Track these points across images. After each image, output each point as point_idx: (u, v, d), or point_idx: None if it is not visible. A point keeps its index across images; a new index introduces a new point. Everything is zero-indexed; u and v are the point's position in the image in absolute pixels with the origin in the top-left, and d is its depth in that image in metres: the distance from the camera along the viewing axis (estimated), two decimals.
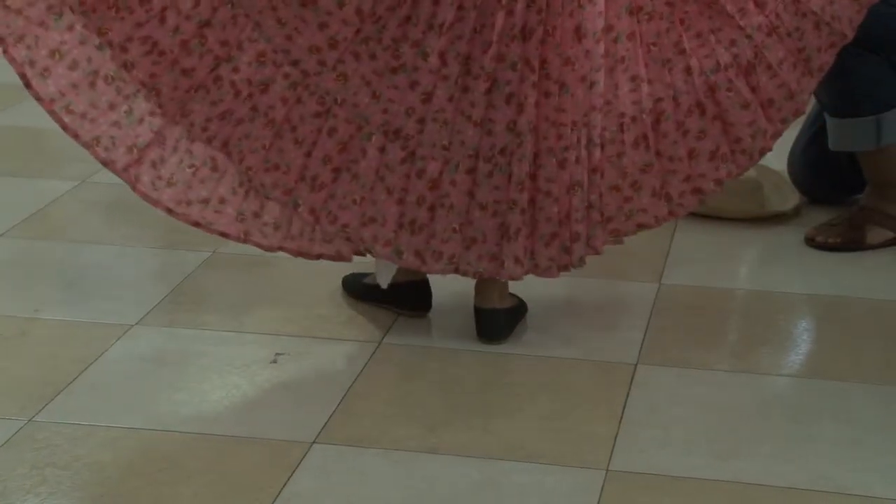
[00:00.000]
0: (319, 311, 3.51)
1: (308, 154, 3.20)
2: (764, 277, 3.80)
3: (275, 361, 3.26)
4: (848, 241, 3.85)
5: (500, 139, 3.12)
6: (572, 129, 3.14)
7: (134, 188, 3.16)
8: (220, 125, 3.19)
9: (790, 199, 4.07)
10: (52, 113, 3.09)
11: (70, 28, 3.06)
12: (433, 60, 3.08)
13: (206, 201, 3.23)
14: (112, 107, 3.14)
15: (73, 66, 3.09)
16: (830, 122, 3.83)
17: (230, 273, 3.74)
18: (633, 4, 3.16)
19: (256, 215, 3.26)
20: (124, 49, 3.11)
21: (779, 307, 3.63)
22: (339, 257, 3.33)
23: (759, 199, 4.01)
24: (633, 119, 3.23)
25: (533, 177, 3.15)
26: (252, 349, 3.33)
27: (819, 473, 2.77)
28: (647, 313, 3.51)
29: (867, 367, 3.25)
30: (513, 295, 3.42)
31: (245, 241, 3.27)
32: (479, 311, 3.38)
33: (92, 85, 3.12)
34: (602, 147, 3.20)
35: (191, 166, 3.22)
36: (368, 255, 3.34)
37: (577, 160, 3.16)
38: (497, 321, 3.37)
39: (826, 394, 3.14)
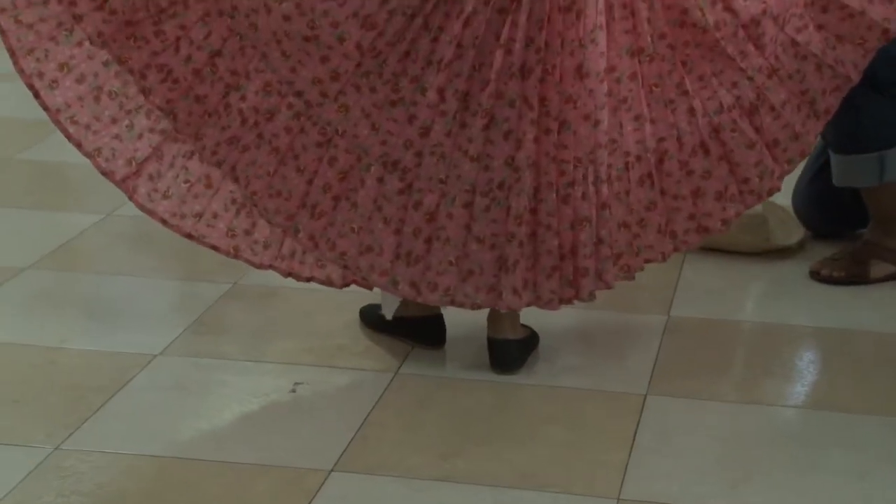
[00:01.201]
0: (337, 342, 3.50)
1: (309, 182, 3.21)
2: (770, 310, 3.79)
3: (293, 391, 3.26)
4: (852, 275, 3.84)
5: (497, 174, 3.12)
6: (576, 166, 3.13)
7: (131, 198, 3.22)
8: (229, 150, 3.22)
9: (795, 233, 4.07)
10: (57, 122, 3.15)
11: (79, 44, 3.13)
12: (431, 95, 3.08)
13: (199, 215, 3.27)
14: (114, 121, 3.20)
15: (80, 79, 3.16)
16: (834, 158, 3.82)
17: (250, 304, 3.73)
18: (634, 46, 3.15)
19: (247, 232, 3.30)
20: (143, 76, 3.17)
21: (785, 339, 3.61)
22: (328, 282, 3.36)
23: (764, 234, 4.00)
24: (638, 158, 3.22)
25: (533, 211, 3.15)
26: (271, 378, 3.33)
27: (831, 500, 2.77)
28: (656, 344, 3.50)
29: (873, 398, 3.23)
30: (525, 326, 3.41)
31: (235, 256, 3.30)
32: (492, 342, 3.37)
33: (96, 99, 3.18)
34: (610, 184, 3.18)
35: (186, 181, 3.27)
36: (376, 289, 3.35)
37: (584, 196, 3.15)
38: (510, 352, 3.36)
39: (833, 425, 3.12)
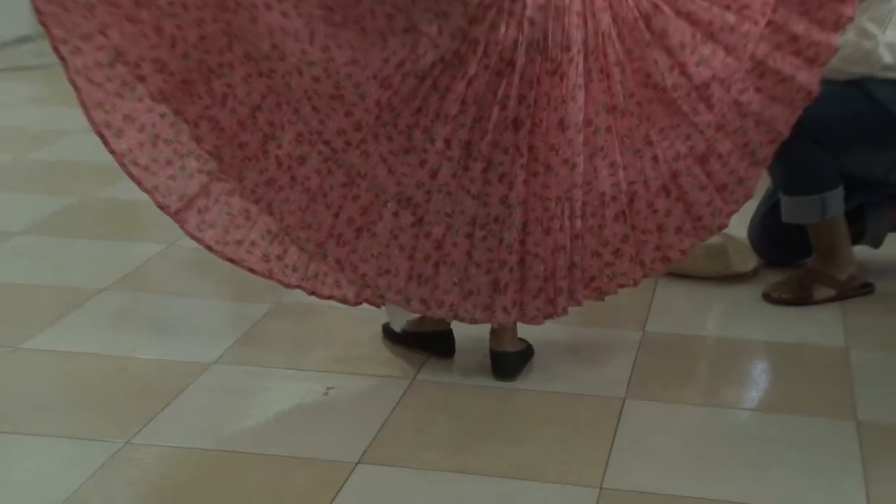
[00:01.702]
0: (363, 352, 3.49)
1: (336, 216, 3.22)
2: (729, 327, 3.77)
3: (326, 394, 3.24)
4: (798, 297, 3.82)
5: (493, 210, 3.11)
6: (556, 203, 3.12)
7: (182, 228, 3.23)
8: (266, 190, 3.23)
9: (750, 261, 4.04)
10: (122, 165, 3.17)
11: (140, 99, 3.15)
12: (439, 144, 3.07)
13: (239, 243, 3.27)
14: (169, 163, 3.21)
15: (141, 129, 3.17)
16: (783, 199, 3.81)
17: (289, 320, 3.71)
18: (609, 103, 3.14)
19: (279, 258, 3.29)
20: (196, 126, 3.18)
21: (742, 352, 3.60)
22: (344, 300, 3.34)
23: (724, 262, 3.99)
24: (613, 198, 3.20)
25: (522, 241, 3.14)
26: (307, 384, 3.31)
27: (782, 494, 2.75)
28: (633, 356, 3.48)
29: (818, 403, 3.21)
30: (522, 340, 3.40)
31: (269, 277, 3.30)
32: (493, 354, 3.36)
33: (154, 145, 3.19)
34: (583, 218, 3.18)
35: (228, 214, 3.26)
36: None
37: (561, 228, 3.14)
38: (509, 362, 3.35)
39: (784, 425, 3.09)
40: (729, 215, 3.34)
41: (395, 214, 3.19)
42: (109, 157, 3.16)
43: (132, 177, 3.19)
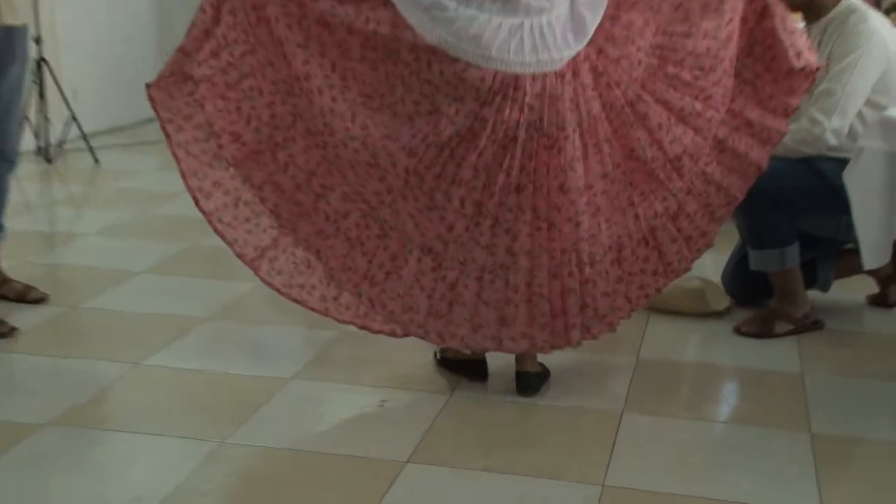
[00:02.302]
0: (411, 372, 3.47)
1: (370, 262, 3.25)
2: (707, 354, 3.74)
3: (381, 406, 3.24)
4: (762, 331, 3.79)
5: (500, 258, 3.12)
6: (562, 254, 3.12)
7: (256, 274, 3.26)
8: (316, 239, 3.27)
9: (723, 301, 4.02)
10: (209, 222, 3.21)
11: (226, 169, 3.20)
12: (455, 203, 3.08)
13: (302, 286, 3.29)
14: (247, 220, 3.24)
15: (226, 193, 3.22)
16: (750, 251, 3.80)
17: (351, 345, 3.70)
18: (602, 172, 3.15)
19: (335, 299, 3.31)
20: (260, 189, 3.22)
21: (718, 375, 3.58)
22: (392, 334, 3.33)
23: (703, 302, 3.98)
24: (609, 248, 3.22)
25: (528, 284, 3.14)
26: (365, 397, 3.30)
27: (750, 493, 2.74)
28: (629, 377, 3.46)
29: (778, 417, 3.18)
30: (541, 363, 3.39)
31: (325, 315, 3.32)
32: (518, 374, 3.36)
33: (235, 205, 3.23)
34: (591, 266, 3.18)
35: (293, 263, 3.29)
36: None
37: (570, 274, 3.14)
38: (529, 381, 3.35)
39: (751, 436, 3.08)
40: (692, 261, 3.37)
41: (419, 261, 3.21)
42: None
43: (217, 231, 3.21)
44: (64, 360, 3.54)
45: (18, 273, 4.11)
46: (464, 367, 3.43)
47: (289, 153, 3.20)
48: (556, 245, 3.12)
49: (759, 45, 3.29)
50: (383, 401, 3.25)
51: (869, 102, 3.62)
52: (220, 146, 3.19)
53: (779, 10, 3.27)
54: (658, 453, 2.95)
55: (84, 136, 6.61)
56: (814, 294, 3.95)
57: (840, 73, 3.59)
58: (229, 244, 3.24)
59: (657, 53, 3.17)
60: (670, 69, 3.18)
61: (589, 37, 3.06)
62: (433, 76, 3.00)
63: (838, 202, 3.31)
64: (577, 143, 3.06)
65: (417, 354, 3.53)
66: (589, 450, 2.94)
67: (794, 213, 3.70)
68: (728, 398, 3.44)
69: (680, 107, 3.20)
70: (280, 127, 3.18)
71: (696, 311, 3.95)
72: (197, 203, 3.20)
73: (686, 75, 3.19)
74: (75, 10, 7.10)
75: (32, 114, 6.37)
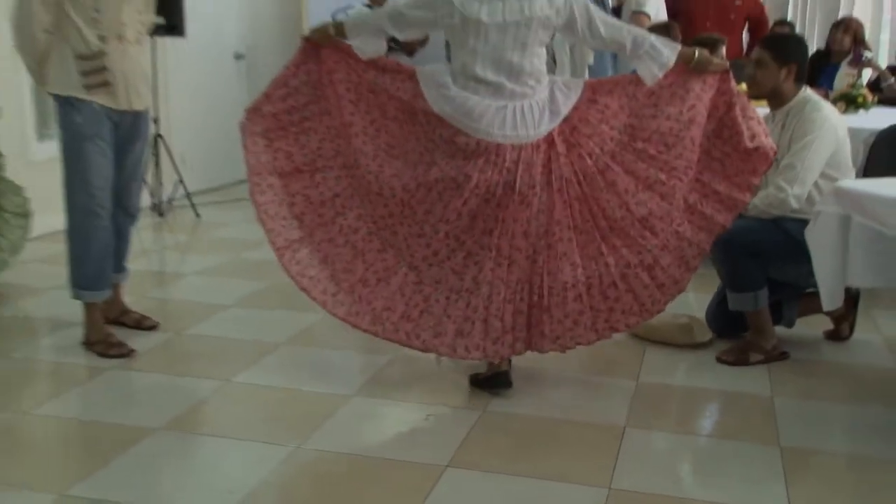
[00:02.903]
0: (451, 390, 3.43)
1: (367, 269, 3.37)
2: (694, 379, 3.65)
3: (426, 419, 3.21)
4: (738, 359, 3.74)
5: (466, 284, 3.25)
6: (517, 283, 3.23)
7: (280, 260, 3.37)
8: (327, 245, 3.39)
9: (707, 334, 3.96)
10: (257, 211, 3.37)
11: (277, 177, 3.40)
12: (440, 236, 3.24)
13: (311, 278, 3.37)
14: (283, 218, 3.39)
15: (275, 193, 3.40)
16: (729, 294, 3.75)
17: (402, 368, 3.66)
18: (571, 224, 3.23)
19: (333, 295, 3.37)
20: (293, 197, 3.40)
21: (703, 396, 3.51)
22: (375, 334, 3.36)
23: (690, 335, 3.93)
24: (573, 285, 3.27)
25: (486, 307, 3.22)
26: (413, 411, 3.28)
27: (730, 496, 2.70)
28: (629, 398, 3.41)
29: (752, 432, 3.13)
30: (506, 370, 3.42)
31: (323, 307, 3.38)
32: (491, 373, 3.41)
33: (279, 205, 3.39)
34: (548, 296, 3.25)
35: (309, 258, 3.38)
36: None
37: (521, 300, 3.26)
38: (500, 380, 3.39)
39: (731, 447, 3.04)
40: (665, 303, 3.37)
41: (405, 275, 3.32)
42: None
43: (261, 220, 3.37)
44: (171, 377, 3.54)
45: (136, 305, 4.13)
46: (491, 382, 3.38)
47: (323, 176, 3.40)
48: (513, 277, 3.23)
49: (727, 129, 3.31)
50: (428, 415, 3.21)
51: (823, 175, 3.62)
52: (275, 159, 3.38)
53: (740, 101, 3.29)
54: (654, 462, 2.91)
55: (188, 195, 6.65)
56: (780, 329, 3.89)
57: (800, 151, 3.59)
58: (267, 231, 3.36)
59: (628, 131, 3.25)
60: (639, 144, 3.25)
61: (562, 117, 3.19)
62: (435, 137, 3.20)
63: (800, 254, 3.29)
64: (545, 199, 3.18)
65: (457, 376, 3.50)
66: (597, 458, 2.89)
67: (765, 263, 3.65)
68: (711, 416, 3.38)
69: (646, 176, 3.26)
70: (323, 157, 3.40)
71: (684, 342, 3.90)
72: (252, 195, 3.37)
73: (652, 150, 3.25)
74: (184, 96, 7.18)
75: (149, 177, 6.42)
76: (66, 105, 3.60)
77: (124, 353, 3.72)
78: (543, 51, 3.21)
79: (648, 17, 6.00)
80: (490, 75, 3.12)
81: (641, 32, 3.26)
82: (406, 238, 3.29)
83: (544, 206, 3.18)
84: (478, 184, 3.13)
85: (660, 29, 5.31)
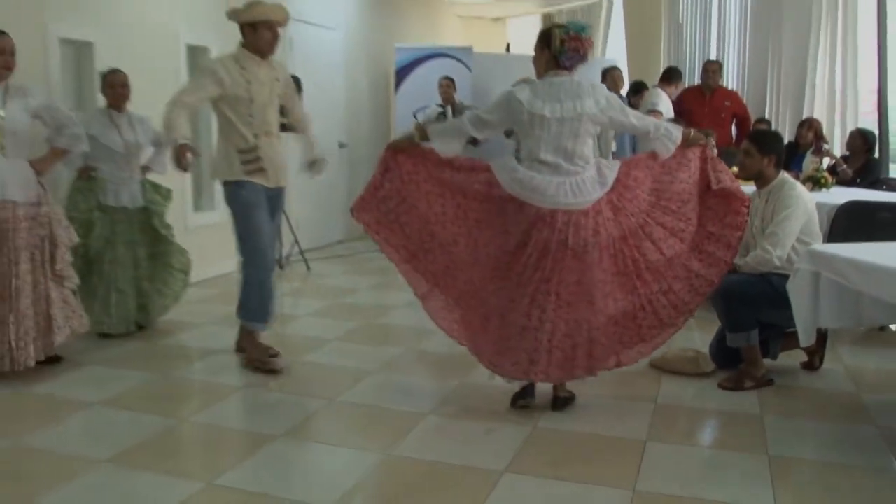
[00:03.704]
0: (508, 413, 3.36)
1: (476, 320, 3.30)
2: (700, 401, 3.53)
3: (487, 433, 3.13)
4: (735, 386, 3.62)
5: (533, 323, 3.16)
6: (575, 322, 3.18)
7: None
8: (425, 259, 3.32)
9: (710, 365, 3.85)
10: (403, 274, 3.36)
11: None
12: (511, 283, 3.18)
13: (444, 318, 3.35)
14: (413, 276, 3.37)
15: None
16: (727, 333, 3.65)
17: (467, 393, 3.60)
18: (618, 270, 3.22)
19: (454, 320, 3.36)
20: (409, 235, 3.32)
21: (706, 415, 3.40)
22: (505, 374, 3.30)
23: (697, 365, 3.82)
24: (612, 316, 3.26)
25: (550, 340, 3.16)
26: (477, 426, 3.20)
27: (729, 498, 2.61)
28: (649, 416, 3.31)
29: (745, 444, 3.02)
30: (569, 391, 3.39)
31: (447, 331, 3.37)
32: (553, 397, 3.36)
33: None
34: (596, 329, 3.22)
35: (441, 305, 3.36)
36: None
37: (579, 335, 3.19)
38: (559, 402, 3.34)
39: (729, 458, 2.93)
40: (680, 320, 3.36)
41: (493, 319, 3.24)
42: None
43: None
44: (289, 395, 3.53)
45: (261, 338, 4.12)
46: (522, 394, 3.35)
47: (433, 256, 3.31)
48: (571, 317, 3.17)
49: (703, 180, 3.37)
50: (488, 429, 3.14)
51: (798, 240, 3.56)
52: (396, 251, 3.33)
53: (712, 161, 3.37)
54: (669, 468, 2.81)
55: (301, 252, 6.71)
56: (768, 361, 3.77)
57: (780, 222, 3.55)
58: (409, 283, 3.35)
59: (654, 193, 3.29)
60: (663, 202, 3.30)
61: (609, 186, 3.20)
62: (509, 211, 3.18)
63: (783, 302, 3.21)
64: (596, 254, 3.14)
65: (510, 394, 3.43)
66: (623, 466, 2.81)
67: (755, 309, 3.55)
68: (714, 431, 3.26)
69: (672, 226, 3.29)
70: (424, 241, 3.31)
71: (692, 372, 3.79)
72: (384, 251, 3.37)
73: (673, 206, 3.30)
74: (300, 176, 7.23)
75: None
76: (234, 185, 3.70)
77: (269, 369, 3.81)
78: (591, 140, 3.25)
79: (661, 114, 6.20)
80: (550, 158, 3.13)
81: (658, 121, 3.41)
82: (495, 292, 3.23)
83: (594, 260, 3.15)
84: (536, 242, 3.12)
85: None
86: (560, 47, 3.14)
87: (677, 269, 3.31)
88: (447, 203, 3.27)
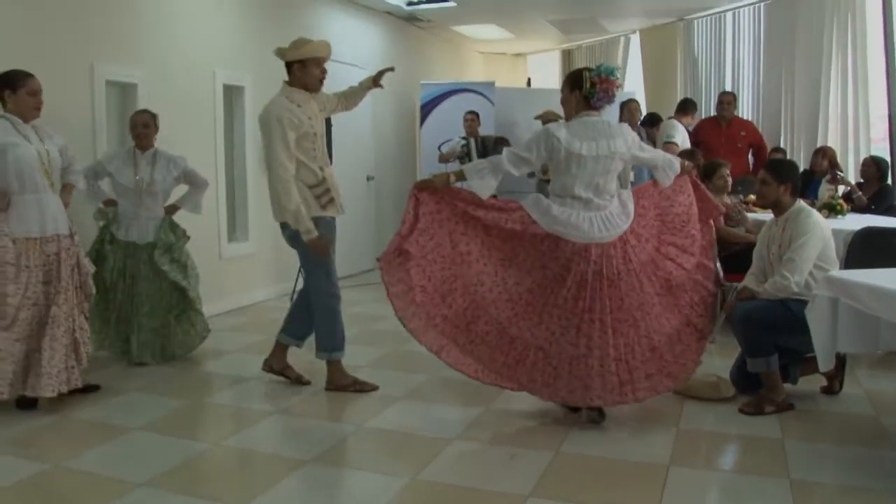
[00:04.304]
0: (531, 432, 3.33)
1: (505, 357, 3.30)
2: (722, 426, 3.46)
3: (512, 458, 3.09)
4: (756, 410, 3.56)
5: (581, 350, 3.21)
6: (624, 346, 3.22)
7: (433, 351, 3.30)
8: (469, 346, 3.29)
9: (731, 390, 3.78)
10: (412, 333, 3.28)
11: (416, 308, 3.30)
12: (554, 318, 3.24)
13: (460, 368, 3.32)
14: (429, 330, 3.29)
15: (419, 319, 3.28)
16: (747, 359, 3.60)
17: (491, 420, 3.56)
18: (656, 291, 3.31)
19: (477, 371, 3.33)
20: (433, 318, 3.28)
21: (727, 439, 3.33)
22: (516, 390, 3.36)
23: (717, 390, 3.76)
24: (667, 333, 3.34)
25: (601, 365, 3.20)
26: (502, 451, 3.16)
27: None
28: (672, 441, 3.25)
29: (767, 468, 2.95)
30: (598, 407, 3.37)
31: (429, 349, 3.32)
32: (588, 408, 3.37)
33: (426, 328, 3.28)
34: (648, 350, 3.29)
35: (455, 358, 3.32)
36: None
37: (633, 358, 3.26)
38: (594, 415, 3.38)
39: (750, 482, 2.86)
40: (708, 328, 3.46)
41: (535, 354, 3.27)
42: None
43: (416, 338, 3.27)
44: (319, 421, 3.53)
45: (296, 364, 4.12)
46: (589, 416, 3.38)
47: (453, 298, 3.27)
48: (620, 341, 3.21)
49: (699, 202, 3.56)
50: (513, 454, 3.10)
51: (815, 266, 3.52)
52: (413, 296, 3.25)
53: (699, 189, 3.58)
54: (692, 493, 2.76)
55: None
56: (788, 386, 3.71)
57: (798, 248, 3.51)
58: (422, 343, 3.28)
59: (659, 217, 3.44)
60: (669, 225, 3.44)
61: (632, 217, 3.31)
62: (544, 248, 3.23)
63: (802, 327, 3.15)
64: (633, 280, 3.22)
65: (534, 423, 3.41)
66: (647, 490, 2.76)
67: (775, 334, 3.49)
68: (736, 455, 3.20)
69: (681, 244, 3.43)
70: (447, 282, 3.27)
71: (713, 397, 3.73)
72: (404, 323, 3.26)
73: (677, 225, 3.45)
74: None
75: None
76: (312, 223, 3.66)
77: (305, 381, 3.94)
78: (615, 175, 3.33)
79: (677, 145, 6.33)
80: (583, 193, 3.22)
81: (664, 154, 3.57)
82: (529, 328, 3.24)
83: (633, 285, 3.24)
84: (575, 275, 3.19)
85: (688, 153, 5.40)
86: (591, 89, 3.24)
87: (693, 283, 3.43)
88: (471, 242, 3.28)
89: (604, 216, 3.23)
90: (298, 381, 4.04)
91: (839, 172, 6.02)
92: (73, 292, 3.69)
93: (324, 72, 3.75)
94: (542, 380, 3.26)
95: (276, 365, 4.05)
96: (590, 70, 3.27)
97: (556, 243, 3.20)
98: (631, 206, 3.32)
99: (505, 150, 3.32)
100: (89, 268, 3.85)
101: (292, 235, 3.73)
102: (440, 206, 3.28)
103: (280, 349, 4.07)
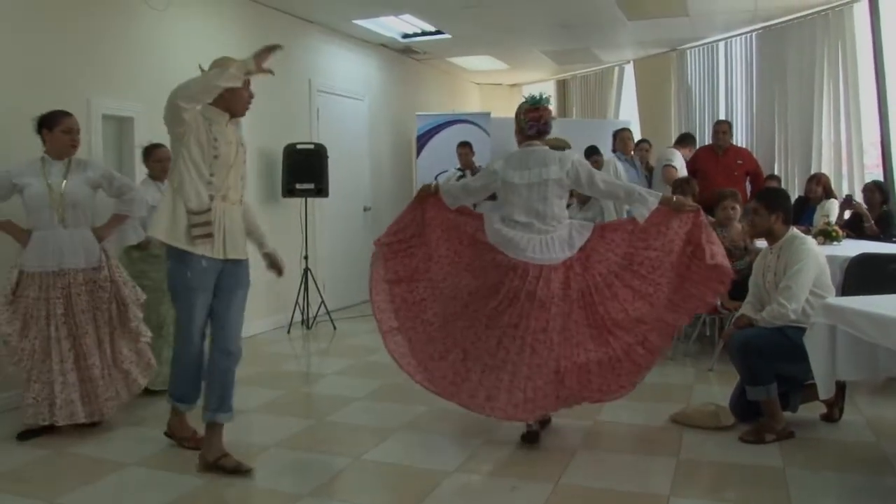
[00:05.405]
0: (530, 466, 3.29)
1: (434, 350, 3.48)
2: (722, 455, 3.44)
3: (512, 489, 3.07)
4: (756, 439, 3.54)
5: (498, 362, 3.33)
6: (538, 367, 3.29)
7: (384, 339, 3.54)
8: (412, 333, 3.53)
9: (730, 419, 3.76)
10: (374, 309, 3.58)
11: (389, 288, 3.62)
12: (481, 326, 3.38)
13: (402, 355, 3.52)
14: (384, 311, 3.60)
15: (383, 300, 3.61)
16: (747, 387, 3.59)
17: (492, 446, 3.55)
18: (585, 322, 3.34)
19: (426, 370, 3.51)
20: (393, 298, 3.61)
21: (728, 469, 3.30)
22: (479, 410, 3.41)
23: (717, 419, 3.75)
24: (585, 363, 3.34)
25: (511, 380, 3.28)
26: (500, 483, 3.14)
27: None
28: (672, 471, 3.23)
29: (768, 496, 2.92)
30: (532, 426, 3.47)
31: (400, 367, 3.53)
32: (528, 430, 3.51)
33: (390, 304, 3.61)
34: (566, 374, 3.32)
35: (400, 339, 3.54)
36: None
37: (544, 376, 3.30)
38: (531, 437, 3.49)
39: None
40: (654, 362, 3.38)
41: (457, 354, 3.45)
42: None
43: (373, 311, 3.54)
44: (315, 454, 3.50)
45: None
46: (524, 438, 3.49)
47: (416, 285, 3.59)
48: (535, 361, 3.30)
49: (699, 251, 3.39)
50: (513, 487, 3.08)
51: (811, 293, 3.54)
52: (387, 271, 3.61)
53: (706, 232, 3.37)
54: None
55: (328, 313, 6.72)
56: (787, 414, 3.69)
57: (793, 276, 3.53)
58: (377, 321, 3.53)
59: (627, 258, 3.42)
60: (634, 267, 3.42)
61: (576, 250, 3.41)
62: (486, 258, 3.45)
63: (800, 355, 3.14)
64: (563, 306, 3.32)
65: (534, 454, 3.37)
66: None
67: (773, 362, 3.50)
68: (737, 485, 3.16)
69: (640, 289, 3.40)
70: (418, 272, 3.61)
71: (713, 426, 3.72)
72: (371, 293, 3.58)
73: (643, 271, 3.41)
74: (326, 239, 7.35)
75: (300, 299, 6.53)
76: (178, 261, 3.17)
77: (244, 469, 3.24)
78: (563, 201, 3.48)
79: (676, 169, 6.36)
80: (523, 218, 3.42)
81: (633, 187, 3.48)
82: (462, 329, 3.44)
83: (562, 311, 3.33)
84: (508, 289, 3.34)
85: (682, 182, 5.40)
86: (523, 120, 3.50)
87: (652, 323, 3.38)
88: (450, 247, 3.58)
89: (544, 240, 3.38)
90: (237, 470, 3.26)
91: (855, 200, 6.07)
92: (98, 324, 3.77)
93: (251, 95, 3.33)
94: (451, 379, 3.42)
95: (209, 455, 3.31)
96: (521, 105, 3.54)
97: (495, 256, 3.41)
98: (579, 240, 3.41)
99: (462, 181, 3.65)
100: (134, 296, 3.88)
101: (169, 262, 3.22)
102: (435, 214, 3.63)
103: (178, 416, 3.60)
